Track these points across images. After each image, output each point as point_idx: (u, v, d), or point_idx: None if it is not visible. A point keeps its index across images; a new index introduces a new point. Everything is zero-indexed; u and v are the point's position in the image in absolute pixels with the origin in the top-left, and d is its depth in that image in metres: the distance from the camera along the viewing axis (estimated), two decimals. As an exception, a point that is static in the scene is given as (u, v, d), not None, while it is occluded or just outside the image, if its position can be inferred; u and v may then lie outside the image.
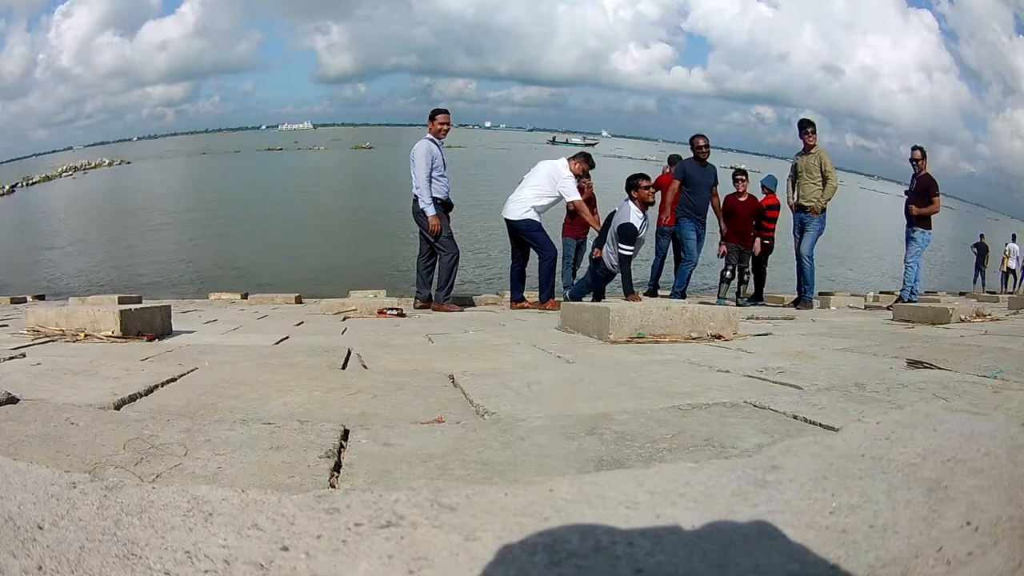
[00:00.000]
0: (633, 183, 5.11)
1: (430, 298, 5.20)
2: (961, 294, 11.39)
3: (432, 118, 5.16)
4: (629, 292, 5.12)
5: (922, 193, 5.90)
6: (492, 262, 14.51)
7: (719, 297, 6.44)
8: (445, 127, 5.17)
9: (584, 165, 5.35)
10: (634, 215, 5.02)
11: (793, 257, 6.22)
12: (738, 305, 6.11)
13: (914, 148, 5.97)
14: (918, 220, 5.97)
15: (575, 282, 6.10)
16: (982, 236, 18.56)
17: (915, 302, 5.68)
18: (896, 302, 5.95)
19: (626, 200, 5.16)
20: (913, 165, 5.97)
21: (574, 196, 5.24)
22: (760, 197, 6.60)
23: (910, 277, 6.08)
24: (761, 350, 2.30)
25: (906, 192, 6.12)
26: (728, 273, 6.45)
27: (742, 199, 6.49)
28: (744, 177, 6.48)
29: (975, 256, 17.87)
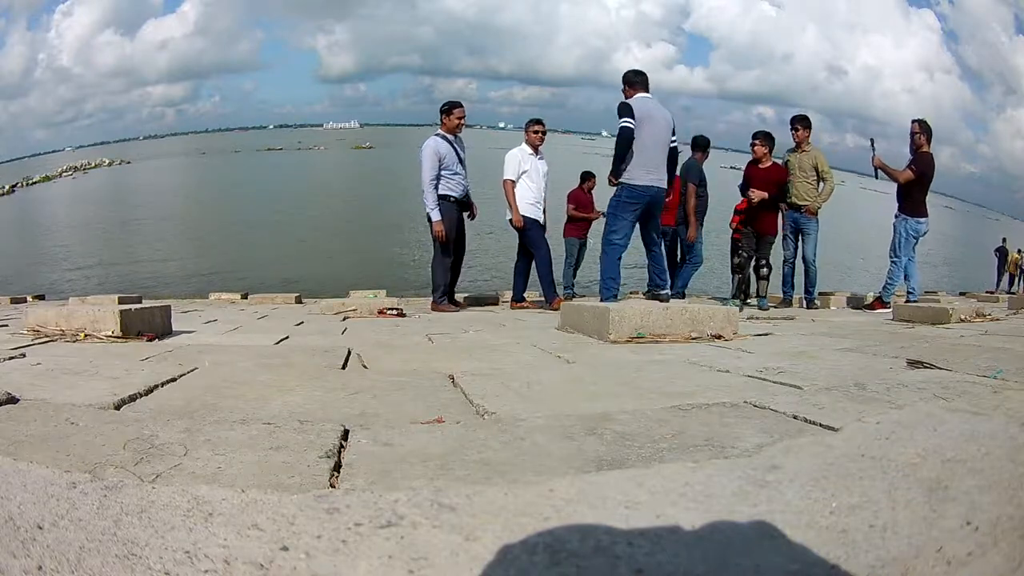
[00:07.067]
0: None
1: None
2: (961, 294, 11.38)
3: (448, 112, 4.93)
4: None
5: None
6: (491, 262, 14.52)
7: (731, 297, 5.54)
8: (462, 121, 4.97)
9: (535, 135, 5.10)
10: None
11: (781, 258, 5.70)
12: (760, 307, 5.19)
13: (914, 120, 5.17)
14: (903, 205, 5.20)
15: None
16: (1004, 240, 18.58)
17: (909, 302, 4.95)
18: (874, 302, 5.48)
19: None
20: (912, 139, 5.11)
21: (504, 175, 5.04)
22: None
23: (891, 273, 5.27)
24: (761, 350, 2.30)
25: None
26: (738, 260, 5.40)
27: (764, 165, 5.38)
28: (761, 140, 5.38)
29: (997, 259, 17.84)
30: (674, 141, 4.46)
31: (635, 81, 4.41)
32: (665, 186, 4.43)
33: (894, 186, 5.35)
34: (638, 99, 4.34)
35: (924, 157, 5.14)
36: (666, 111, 4.46)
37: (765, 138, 5.42)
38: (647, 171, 4.31)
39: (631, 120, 4.23)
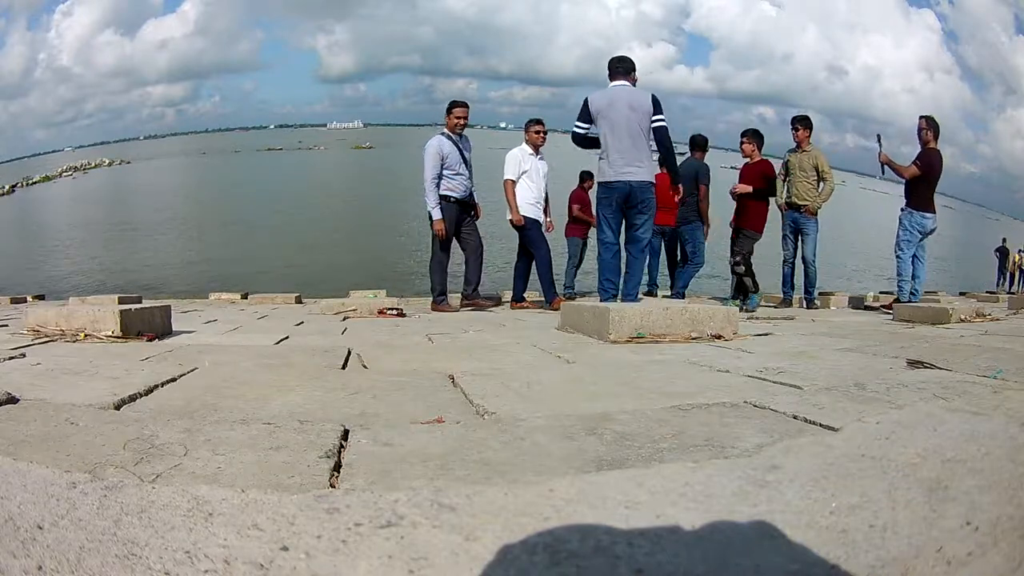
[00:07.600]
0: None
1: (475, 293, 5.17)
2: (962, 294, 11.38)
3: (449, 112, 4.96)
4: None
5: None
6: (491, 263, 14.51)
7: (731, 297, 5.51)
8: (462, 121, 4.96)
9: (536, 135, 5.11)
10: None
11: (775, 257, 5.77)
12: (747, 309, 5.10)
13: (921, 117, 5.17)
14: (909, 200, 5.17)
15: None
16: (1004, 240, 18.78)
17: (911, 302, 4.92)
18: (894, 302, 5.33)
19: None
20: (920, 135, 5.10)
21: (504, 175, 5.06)
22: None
23: (899, 269, 5.26)
24: (761, 350, 2.30)
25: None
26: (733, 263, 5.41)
27: (752, 161, 5.48)
28: (747, 138, 5.50)
29: (998, 259, 18.04)
30: (658, 120, 4.07)
31: (613, 69, 4.21)
32: (641, 178, 4.09)
33: (896, 186, 5.41)
34: (603, 90, 4.16)
35: (930, 153, 5.14)
36: (638, 94, 4.12)
37: (752, 136, 5.51)
38: (615, 166, 4.08)
39: (580, 123, 4.18)
